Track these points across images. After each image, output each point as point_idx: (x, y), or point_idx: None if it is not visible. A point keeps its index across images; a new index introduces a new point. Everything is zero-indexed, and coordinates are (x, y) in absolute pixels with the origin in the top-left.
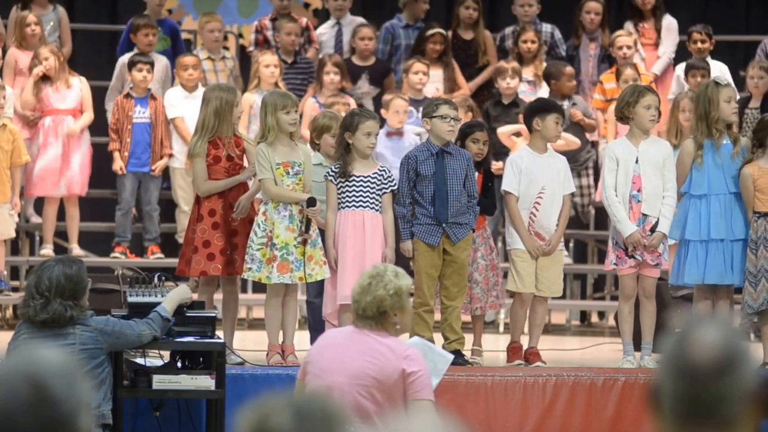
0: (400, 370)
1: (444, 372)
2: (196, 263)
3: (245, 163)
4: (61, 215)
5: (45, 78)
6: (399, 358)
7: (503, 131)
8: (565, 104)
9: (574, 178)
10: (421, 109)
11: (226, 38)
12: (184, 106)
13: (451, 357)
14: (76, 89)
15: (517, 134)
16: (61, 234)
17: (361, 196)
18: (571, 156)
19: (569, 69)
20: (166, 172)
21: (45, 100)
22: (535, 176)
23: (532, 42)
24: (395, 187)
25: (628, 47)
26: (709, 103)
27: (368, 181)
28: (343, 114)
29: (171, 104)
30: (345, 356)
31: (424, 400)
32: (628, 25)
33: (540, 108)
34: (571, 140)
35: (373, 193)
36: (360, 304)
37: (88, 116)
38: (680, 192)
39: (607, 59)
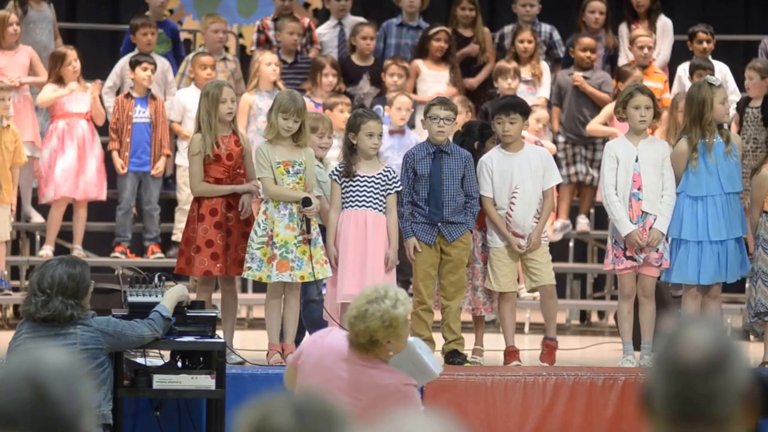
0: (389, 402)
1: (422, 383)
2: (200, 263)
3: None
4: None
5: (59, 80)
6: (389, 393)
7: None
8: (579, 74)
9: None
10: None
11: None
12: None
13: (437, 375)
14: (88, 93)
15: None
16: (62, 234)
17: (364, 195)
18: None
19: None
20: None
21: (59, 102)
22: (506, 176)
23: (529, 42)
24: (400, 188)
25: (649, 48)
26: (704, 104)
27: (372, 181)
28: (339, 114)
29: (186, 104)
30: (333, 386)
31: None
32: (623, 27)
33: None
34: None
35: (377, 193)
36: (353, 329)
37: (101, 123)
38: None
39: (610, 60)
